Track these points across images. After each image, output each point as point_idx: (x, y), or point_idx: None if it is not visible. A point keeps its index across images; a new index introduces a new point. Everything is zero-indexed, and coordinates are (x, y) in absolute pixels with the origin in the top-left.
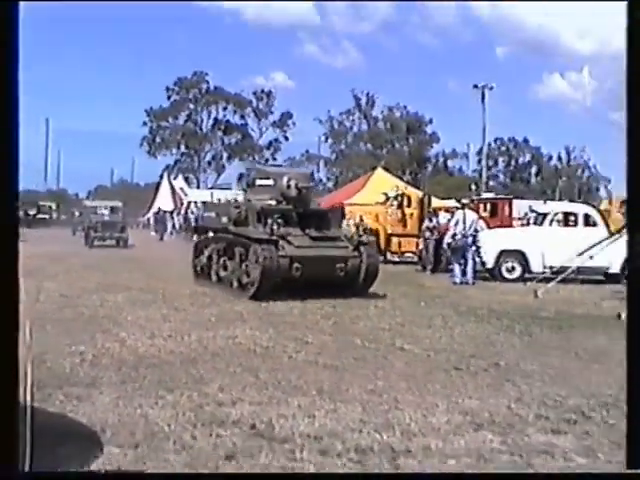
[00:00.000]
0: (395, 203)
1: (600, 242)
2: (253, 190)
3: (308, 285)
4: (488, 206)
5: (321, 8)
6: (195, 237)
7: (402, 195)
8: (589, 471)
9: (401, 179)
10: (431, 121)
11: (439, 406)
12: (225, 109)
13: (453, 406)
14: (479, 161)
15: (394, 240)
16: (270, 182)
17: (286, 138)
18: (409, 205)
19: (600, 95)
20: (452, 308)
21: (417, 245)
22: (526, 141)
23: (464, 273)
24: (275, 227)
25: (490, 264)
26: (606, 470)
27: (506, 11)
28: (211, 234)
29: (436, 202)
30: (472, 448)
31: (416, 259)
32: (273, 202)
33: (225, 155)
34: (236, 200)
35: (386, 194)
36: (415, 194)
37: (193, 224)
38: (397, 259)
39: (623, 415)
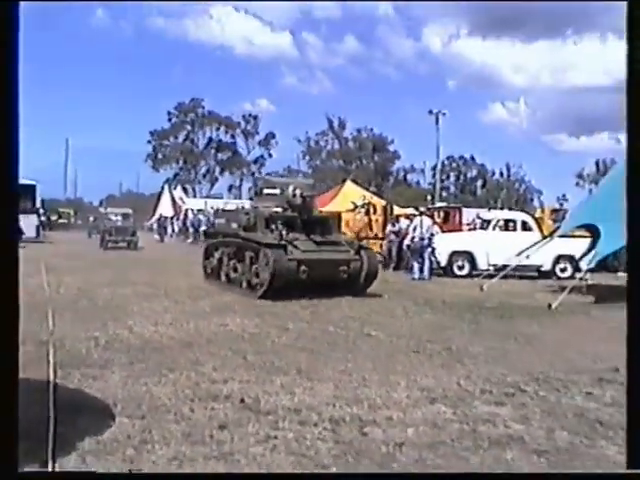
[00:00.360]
0: (362, 211)
1: (535, 244)
2: (261, 198)
3: (313, 286)
4: (442, 214)
5: (299, 44)
6: (197, 240)
7: (368, 204)
8: (589, 471)
9: (367, 190)
10: (393, 141)
11: (400, 383)
12: (218, 130)
13: (412, 383)
14: (433, 175)
15: (362, 242)
16: (277, 191)
17: (270, 155)
18: (374, 212)
19: (533, 120)
20: (411, 300)
21: (381, 246)
22: (473, 159)
23: (421, 270)
24: (284, 233)
25: (443, 263)
26: (606, 470)
27: (455, 49)
28: (221, 238)
29: (397, 210)
30: (428, 419)
31: (380, 258)
32: (279, 209)
33: (218, 169)
34: (244, 207)
35: (355, 203)
36: (379, 203)
37: (203, 229)
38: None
39: (552, 388)
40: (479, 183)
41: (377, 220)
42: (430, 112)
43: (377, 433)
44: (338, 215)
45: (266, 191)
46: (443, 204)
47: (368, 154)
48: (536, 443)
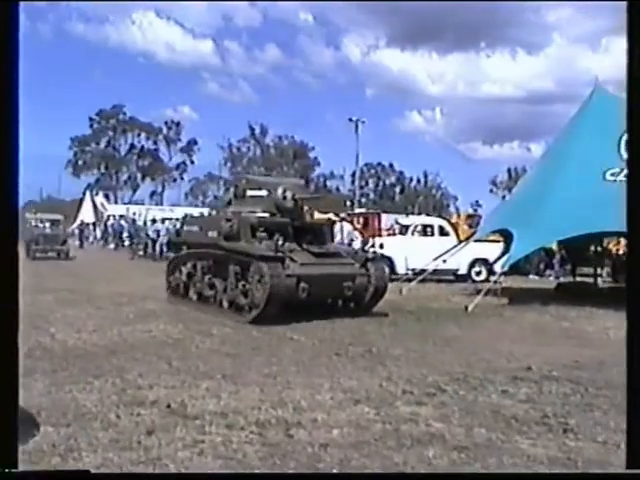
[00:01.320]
0: None
1: (451, 249)
2: (243, 202)
3: (312, 306)
4: (361, 219)
5: (221, 51)
6: (119, 247)
7: None
8: (589, 471)
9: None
10: (314, 148)
11: (324, 386)
12: (139, 136)
13: (335, 385)
14: (353, 182)
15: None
16: (263, 193)
17: (192, 162)
18: None
19: (449, 129)
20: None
21: None
22: (391, 166)
23: None
24: (279, 242)
25: None
26: (606, 470)
27: (374, 59)
28: (193, 249)
29: (318, 215)
30: (352, 420)
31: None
32: (266, 215)
33: (139, 175)
34: (217, 212)
35: None
36: None
37: (166, 239)
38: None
39: (470, 387)
40: (397, 189)
41: None
42: (350, 120)
43: (303, 435)
44: (331, 221)
45: (250, 193)
46: (362, 210)
47: (289, 161)
48: (456, 440)
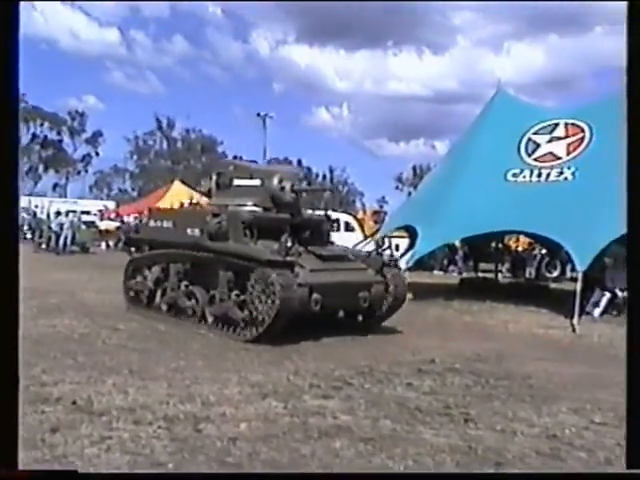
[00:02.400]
0: None
1: (357, 244)
2: (229, 192)
3: (322, 320)
4: None
5: (128, 41)
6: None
7: (196, 204)
8: (589, 471)
9: (195, 190)
10: (222, 142)
11: (232, 380)
12: (42, 126)
13: (243, 380)
14: None
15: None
16: (255, 182)
17: (97, 153)
18: None
19: (355, 126)
20: None
21: None
22: (299, 161)
23: None
24: (288, 244)
25: None
26: (606, 470)
27: (282, 53)
28: (163, 250)
29: None
30: (260, 413)
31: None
32: (258, 209)
33: (41, 167)
34: (197, 204)
35: (182, 203)
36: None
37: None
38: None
39: (376, 380)
40: (304, 185)
41: None
42: (258, 114)
43: (211, 429)
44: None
45: (238, 182)
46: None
47: (197, 155)
48: (362, 432)
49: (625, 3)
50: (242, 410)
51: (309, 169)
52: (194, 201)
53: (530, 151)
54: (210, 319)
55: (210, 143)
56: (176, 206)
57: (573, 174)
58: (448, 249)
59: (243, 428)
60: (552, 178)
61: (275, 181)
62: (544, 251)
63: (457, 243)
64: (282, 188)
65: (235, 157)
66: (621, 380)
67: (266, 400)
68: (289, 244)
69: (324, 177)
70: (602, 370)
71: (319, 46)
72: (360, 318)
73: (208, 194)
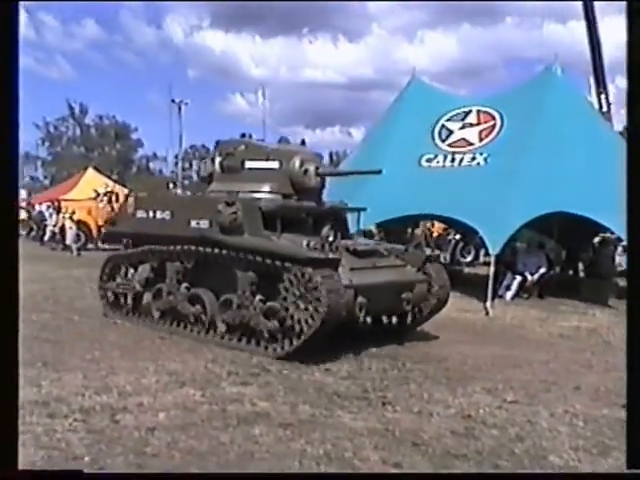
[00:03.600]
0: (105, 199)
1: None
2: (239, 177)
3: (363, 328)
4: None
5: (36, 24)
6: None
7: (111, 192)
8: (589, 471)
9: (110, 178)
10: (136, 129)
11: (149, 369)
12: None
13: (160, 369)
14: (176, 164)
15: (104, 231)
16: (273, 165)
17: None
18: (117, 200)
19: (272, 113)
20: None
21: None
22: (216, 148)
23: None
24: (330, 237)
25: None
26: (606, 470)
27: (197, 39)
28: (156, 246)
29: None
30: (178, 402)
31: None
32: (278, 196)
33: None
34: (205, 192)
35: (97, 191)
36: (122, 191)
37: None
38: (108, 247)
39: (295, 367)
40: (327, 168)
41: (120, 208)
42: (173, 101)
43: (129, 419)
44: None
45: (251, 164)
46: (188, 193)
47: (110, 141)
48: (281, 417)
49: (624, 3)
50: (160, 399)
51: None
52: (108, 189)
53: (444, 137)
54: (222, 328)
55: (124, 130)
56: (92, 195)
57: (485, 160)
58: (364, 235)
59: (161, 417)
60: (465, 163)
61: (297, 163)
62: (458, 236)
63: (373, 228)
64: (305, 171)
65: (243, 135)
66: (532, 359)
67: (184, 388)
68: (331, 238)
69: None
70: (514, 351)
71: (234, 32)
72: (395, 322)
73: (207, 179)
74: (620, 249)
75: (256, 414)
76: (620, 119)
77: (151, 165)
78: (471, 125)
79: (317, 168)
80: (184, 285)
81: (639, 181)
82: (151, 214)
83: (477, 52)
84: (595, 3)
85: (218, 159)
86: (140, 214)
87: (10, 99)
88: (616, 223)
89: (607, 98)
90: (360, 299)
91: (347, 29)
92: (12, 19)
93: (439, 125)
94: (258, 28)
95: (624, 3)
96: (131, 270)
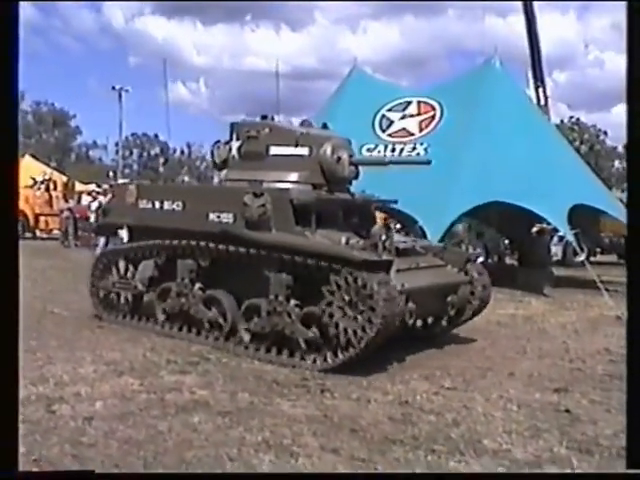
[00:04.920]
0: (42, 187)
1: None
2: (261, 164)
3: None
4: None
5: None
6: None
7: (49, 180)
8: (589, 471)
9: (48, 165)
10: (75, 116)
11: (86, 359)
12: None
13: (98, 358)
14: (117, 152)
15: (42, 219)
16: (302, 151)
17: None
18: (55, 188)
19: (213, 101)
20: None
21: (61, 223)
22: (156, 136)
23: (107, 247)
24: (382, 236)
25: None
26: (605, 470)
27: (138, 25)
28: (166, 241)
29: (80, 186)
30: (116, 391)
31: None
32: (308, 187)
33: None
34: (225, 180)
35: (34, 178)
36: (60, 179)
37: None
38: (46, 236)
39: (234, 355)
40: (161, 160)
41: (58, 197)
42: (113, 88)
43: (65, 409)
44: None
45: (277, 150)
46: (126, 180)
47: (48, 128)
48: (220, 406)
49: (624, 3)
50: (97, 389)
51: (166, 143)
52: (46, 177)
53: (384, 127)
54: (246, 337)
55: (62, 116)
56: (29, 183)
57: (425, 150)
58: None
59: (98, 407)
60: (405, 153)
61: (328, 150)
62: (399, 225)
63: None
64: (338, 159)
65: (264, 117)
66: (469, 346)
67: (122, 377)
68: (384, 237)
69: (182, 152)
70: (451, 338)
71: (177, 19)
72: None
73: (221, 165)
74: (556, 239)
75: (195, 402)
76: (557, 112)
77: (91, 153)
78: (411, 115)
79: (351, 156)
80: (198, 285)
81: (639, 181)
82: (157, 205)
83: (420, 43)
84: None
85: (236, 143)
86: (143, 204)
87: (10, 99)
88: (551, 213)
89: (544, 92)
90: (410, 305)
91: (290, 18)
92: (12, 19)
93: (380, 115)
94: (200, 15)
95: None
96: (130, 268)
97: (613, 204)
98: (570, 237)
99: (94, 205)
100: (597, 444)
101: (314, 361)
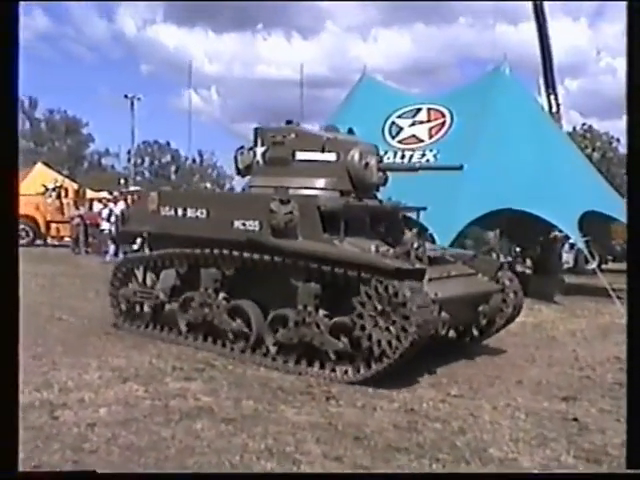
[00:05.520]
0: (54, 194)
1: None
2: (288, 170)
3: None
4: (135, 197)
5: None
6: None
7: (60, 187)
8: (589, 471)
9: (60, 173)
10: (87, 124)
11: (92, 365)
12: None
13: (104, 364)
14: (129, 160)
15: (53, 226)
16: (330, 157)
17: None
18: (66, 196)
19: (225, 109)
20: (103, 283)
21: (72, 229)
22: (168, 144)
23: (116, 254)
24: (415, 244)
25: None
26: (606, 470)
27: (150, 34)
28: (174, 249)
29: (91, 194)
30: (120, 397)
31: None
32: (336, 193)
33: None
34: (250, 186)
35: (45, 186)
36: (72, 186)
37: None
38: (57, 243)
39: (240, 361)
40: (173, 168)
41: (69, 204)
42: (125, 96)
43: (69, 415)
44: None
45: (304, 155)
46: (138, 188)
47: (61, 136)
48: (224, 412)
49: (625, 3)
50: (102, 395)
51: (177, 151)
52: (57, 184)
53: (394, 134)
54: (273, 348)
55: (75, 124)
56: (40, 190)
57: (435, 156)
58: None
59: (102, 413)
60: (415, 160)
61: (356, 156)
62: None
63: None
64: (366, 165)
65: (289, 122)
66: (478, 354)
67: (127, 384)
68: (416, 245)
69: (194, 161)
70: (463, 346)
71: (188, 27)
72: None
73: (244, 171)
74: (567, 246)
75: (199, 409)
76: (569, 120)
77: (103, 161)
78: (421, 122)
79: (379, 162)
80: (222, 295)
81: (639, 181)
82: (180, 212)
83: (431, 51)
84: (545, 4)
85: (261, 149)
86: (165, 211)
87: (10, 99)
88: (562, 220)
89: (556, 99)
90: (443, 314)
91: (301, 26)
92: (12, 19)
93: (389, 122)
94: (211, 23)
95: (573, 6)
96: (151, 276)
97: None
98: (581, 244)
99: (105, 212)
100: (606, 453)
101: (345, 372)
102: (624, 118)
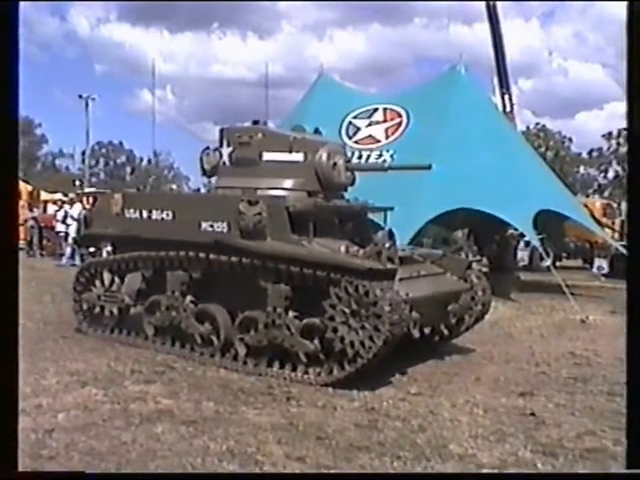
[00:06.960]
0: None
1: None
2: (255, 170)
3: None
4: (91, 199)
5: None
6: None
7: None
8: (589, 471)
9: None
10: (40, 125)
11: (49, 370)
12: None
13: (61, 369)
14: (83, 161)
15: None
16: (297, 157)
17: None
18: (20, 198)
19: (180, 109)
20: (59, 286)
21: (25, 232)
22: (122, 144)
23: (72, 257)
24: (386, 243)
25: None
26: (605, 470)
27: (104, 32)
28: (141, 251)
29: (45, 195)
30: (79, 402)
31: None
32: (304, 193)
33: None
34: (216, 188)
35: None
36: (25, 188)
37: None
38: None
39: (200, 363)
40: (128, 169)
41: (23, 206)
42: (80, 96)
43: (26, 422)
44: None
45: (271, 156)
46: (93, 189)
47: None
48: (185, 415)
49: (625, 3)
50: (60, 400)
51: (132, 152)
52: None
53: (351, 134)
54: (242, 351)
55: (27, 125)
56: None
57: (392, 156)
58: None
59: (61, 418)
60: (372, 160)
61: (324, 155)
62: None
63: None
64: (334, 165)
65: (256, 122)
66: (439, 353)
67: (86, 388)
68: (387, 244)
69: (149, 161)
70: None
71: (143, 26)
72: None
73: (210, 172)
74: (522, 244)
75: (159, 412)
76: (522, 119)
77: (57, 162)
78: (378, 122)
79: (347, 162)
80: (189, 298)
81: (639, 181)
82: (145, 214)
83: (387, 51)
84: (498, 5)
85: (227, 150)
86: (130, 214)
87: (10, 99)
88: (517, 219)
89: (510, 99)
90: (414, 314)
91: (257, 26)
92: (12, 19)
93: (346, 122)
94: (166, 23)
95: (525, 6)
96: (115, 280)
97: (577, 209)
98: (536, 242)
99: (60, 214)
100: (561, 447)
101: (318, 374)
102: (576, 117)
